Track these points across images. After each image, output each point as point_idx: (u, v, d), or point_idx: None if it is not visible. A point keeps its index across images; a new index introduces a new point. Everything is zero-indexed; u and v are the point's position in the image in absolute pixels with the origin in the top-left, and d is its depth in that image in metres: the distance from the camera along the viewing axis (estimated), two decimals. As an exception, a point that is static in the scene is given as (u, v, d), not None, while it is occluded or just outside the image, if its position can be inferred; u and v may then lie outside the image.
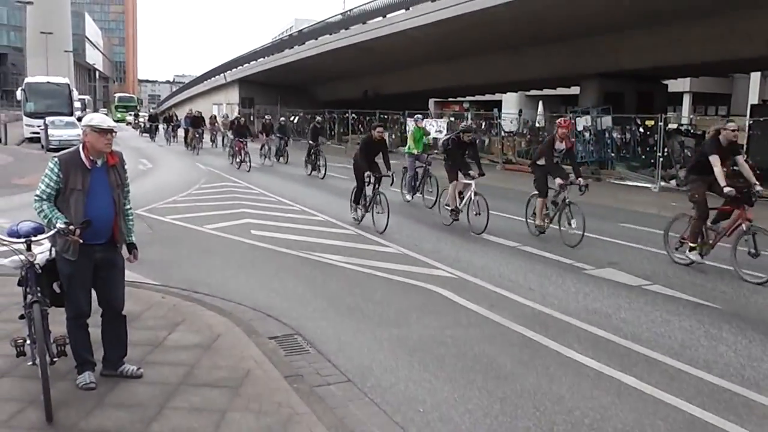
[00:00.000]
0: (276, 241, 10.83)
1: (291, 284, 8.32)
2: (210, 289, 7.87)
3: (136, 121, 62.54)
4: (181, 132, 38.80)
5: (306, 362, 5.66)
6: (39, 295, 4.66)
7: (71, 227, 4.56)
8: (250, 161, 23.48)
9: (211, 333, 6.13)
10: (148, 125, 46.49)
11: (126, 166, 5.14)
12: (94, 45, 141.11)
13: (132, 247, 5.14)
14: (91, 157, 4.81)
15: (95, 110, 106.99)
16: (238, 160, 24.48)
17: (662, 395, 5.10)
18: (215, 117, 44.92)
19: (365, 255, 9.96)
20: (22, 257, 4.70)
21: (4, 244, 4.78)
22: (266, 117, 31.32)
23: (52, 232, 4.64)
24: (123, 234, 5.00)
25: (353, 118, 38.67)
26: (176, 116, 44.13)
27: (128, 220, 5.09)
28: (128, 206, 5.10)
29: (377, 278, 8.62)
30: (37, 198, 4.72)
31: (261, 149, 26.78)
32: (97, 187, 4.78)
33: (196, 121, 34.47)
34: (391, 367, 5.64)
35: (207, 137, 37.12)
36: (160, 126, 44.88)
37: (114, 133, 4.89)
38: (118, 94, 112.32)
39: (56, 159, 4.78)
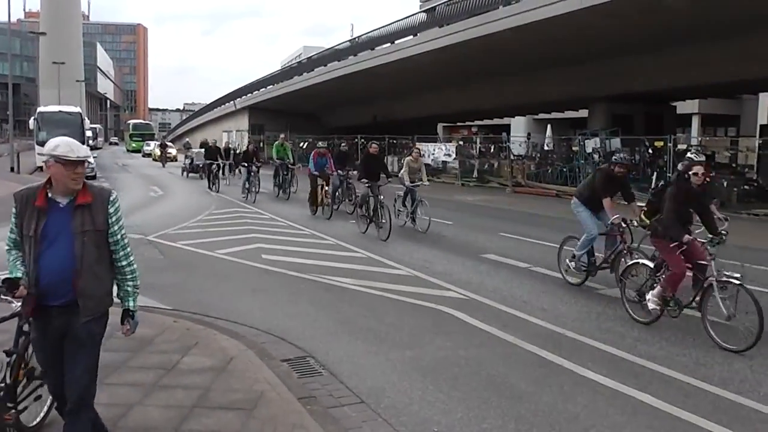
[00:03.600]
0: (287, 265, 10.84)
1: (303, 307, 8.32)
2: (222, 313, 7.89)
3: (166, 153, 49.03)
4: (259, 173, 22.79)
5: (319, 384, 5.66)
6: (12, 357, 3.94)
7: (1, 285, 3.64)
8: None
9: (225, 356, 6.14)
10: (197, 163, 33.02)
11: (115, 207, 3.89)
12: (106, 74, 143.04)
13: (126, 315, 3.96)
14: (50, 194, 3.71)
15: (106, 140, 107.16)
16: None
17: (679, 412, 5.07)
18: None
19: (376, 277, 9.96)
20: None
21: None
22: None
23: None
24: (92, 296, 3.73)
25: (362, 143, 38.84)
26: (257, 149, 25.97)
27: (125, 281, 3.93)
28: (124, 263, 3.89)
29: (389, 300, 8.62)
30: (6, 247, 3.84)
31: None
32: (54, 232, 3.65)
33: (373, 163, 15.53)
34: (404, 388, 5.63)
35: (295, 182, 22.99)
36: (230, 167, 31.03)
37: (86, 165, 3.80)
38: (132, 121, 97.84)
39: (14, 196, 3.77)
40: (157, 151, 52.93)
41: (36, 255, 3.64)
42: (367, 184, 14.47)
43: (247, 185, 21.81)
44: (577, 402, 5.30)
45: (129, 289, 3.94)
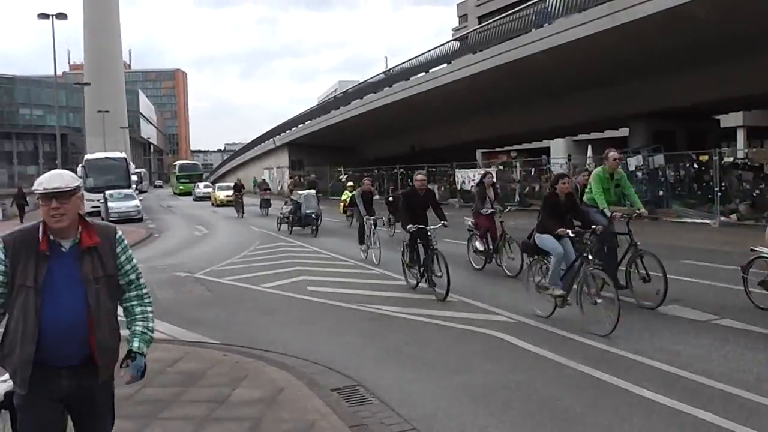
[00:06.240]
0: (332, 296, 10.87)
1: (350, 337, 8.32)
2: (270, 345, 7.92)
3: (241, 197, 34.37)
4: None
5: (370, 412, 5.61)
6: None
7: None
8: None
9: (274, 387, 6.15)
10: (308, 212, 21.95)
11: (123, 246, 3.40)
12: (148, 120, 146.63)
13: (128, 356, 3.34)
14: (52, 237, 3.21)
15: (151, 183, 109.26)
16: None
17: (742, 430, 4.88)
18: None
19: (422, 304, 9.92)
20: None
21: None
22: None
23: None
24: (111, 351, 3.30)
25: (401, 173, 38.98)
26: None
27: (134, 322, 3.43)
28: (137, 307, 3.44)
29: (435, 326, 8.56)
30: None
31: None
32: (60, 282, 3.16)
33: None
34: (455, 413, 5.55)
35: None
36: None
37: (64, 200, 3.18)
38: (179, 162, 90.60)
39: (2, 240, 3.23)
40: (220, 195, 44.32)
41: (36, 308, 3.11)
42: None
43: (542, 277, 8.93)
44: (634, 422, 5.16)
45: (137, 329, 3.41)
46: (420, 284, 10.89)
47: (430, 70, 33.44)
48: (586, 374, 6.34)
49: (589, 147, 43.33)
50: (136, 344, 3.34)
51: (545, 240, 8.47)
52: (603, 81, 26.30)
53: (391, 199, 20.69)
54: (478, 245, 12.71)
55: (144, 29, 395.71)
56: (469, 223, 13.10)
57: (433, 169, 37.51)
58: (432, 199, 11.35)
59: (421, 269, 10.71)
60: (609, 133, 40.06)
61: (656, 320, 8.29)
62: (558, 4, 23.88)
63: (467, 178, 34.37)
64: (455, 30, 70.82)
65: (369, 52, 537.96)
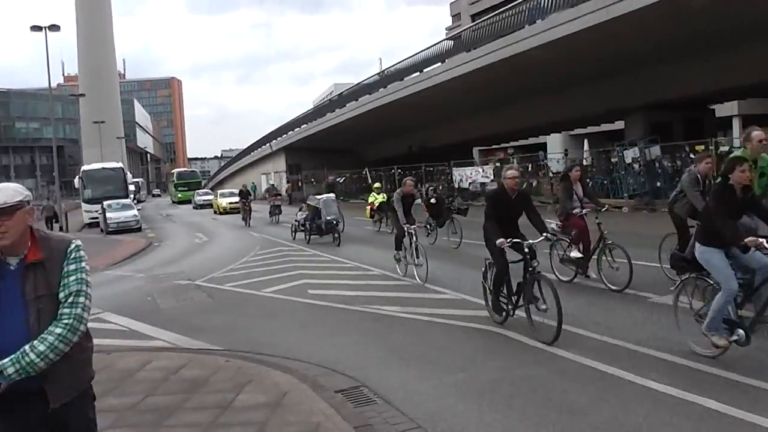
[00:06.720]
0: (334, 298, 10.87)
1: (353, 338, 8.31)
2: (273, 350, 7.92)
3: (249, 205, 31.30)
4: None
5: (375, 412, 5.61)
6: None
7: None
8: None
9: (278, 391, 6.14)
10: (329, 219, 19.77)
11: (70, 260, 3.01)
12: (144, 129, 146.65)
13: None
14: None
15: (149, 192, 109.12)
16: None
17: (748, 416, 4.89)
18: None
19: (423, 303, 9.91)
20: None
21: None
22: None
23: None
24: (61, 377, 2.96)
25: (399, 173, 38.97)
26: None
27: (48, 338, 2.87)
28: (57, 329, 2.90)
29: (438, 325, 8.56)
30: None
31: None
32: (7, 302, 2.91)
33: None
34: (460, 410, 5.55)
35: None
36: None
37: (5, 217, 2.90)
38: (177, 170, 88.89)
39: None
40: (223, 202, 43.10)
41: None
42: None
43: None
44: (639, 413, 5.16)
45: (26, 348, 2.84)
46: (511, 316, 8.15)
47: (425, 70, 33.44)
48: (591, 367, 6.34)
49: (586, 141, 43.32)
50: (11, 370, 2.80)
51: (715, 260, 6.04)
52: (598, 75, 26.32)
53: (433, 201, 18.05)
54: (574, 253, 10.39)
55: (138, 38, 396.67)
56: (554, 226, 10.56)
57: (431, 169, 37.54)
58: (527, 202, 8.38)
59: (514, 298, 8.03)
60: (605, 126, 40.03)
61: (658, 311, 8.27)
62: (550, -1, 23.91)
63: (464, 176, 34.39)
64: (449, 29, 70.85)
65: (365, 53, 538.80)
